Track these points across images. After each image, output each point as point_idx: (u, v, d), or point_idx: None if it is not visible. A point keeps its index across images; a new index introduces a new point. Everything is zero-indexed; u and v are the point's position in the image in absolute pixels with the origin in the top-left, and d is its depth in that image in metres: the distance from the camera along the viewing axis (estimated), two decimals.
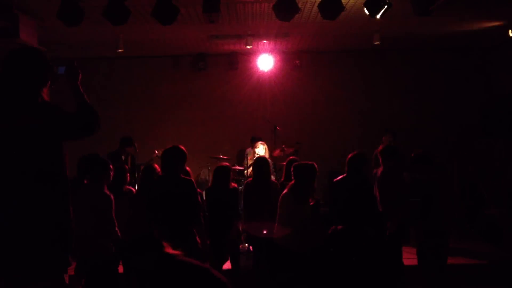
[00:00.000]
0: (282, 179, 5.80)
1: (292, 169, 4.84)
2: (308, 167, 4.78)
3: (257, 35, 8.48)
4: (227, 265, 5.57)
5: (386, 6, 5.85)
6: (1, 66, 2.57)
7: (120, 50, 8.38)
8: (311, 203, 4.76)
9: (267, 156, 6.97)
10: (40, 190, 2.39)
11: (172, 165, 4.30)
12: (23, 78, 2.52)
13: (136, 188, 6.01)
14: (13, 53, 2.60)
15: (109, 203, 4.40)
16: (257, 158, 5.83)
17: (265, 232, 5.33)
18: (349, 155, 5.15)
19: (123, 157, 7.84)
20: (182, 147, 4.41)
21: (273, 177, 6.44)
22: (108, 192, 4.44)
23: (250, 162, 8.82)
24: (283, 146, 8.14)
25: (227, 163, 5.66)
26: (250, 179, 5.69)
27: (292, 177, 4.82)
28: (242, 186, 6.33)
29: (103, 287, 4.36)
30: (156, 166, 5.26)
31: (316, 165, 4.84)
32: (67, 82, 2.76)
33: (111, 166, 4.50)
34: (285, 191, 4.79)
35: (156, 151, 7.77)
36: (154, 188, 4.37)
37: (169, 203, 4.17)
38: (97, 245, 4.27)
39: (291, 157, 5.88)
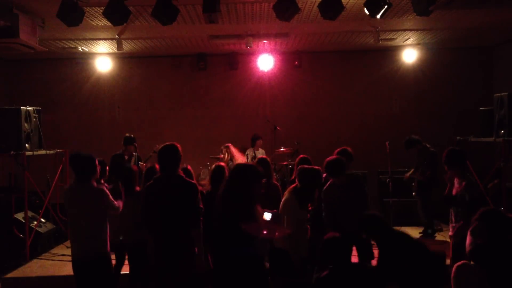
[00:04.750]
0: (292, 177, 5.75)
1: (296, 172, 4.69)
2: (312, 172, 4.61)
3: (257, 35, 8.48)
4: None
5: (386, 6, 5.84)
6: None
7: (120, 50, 8.39)
8: (309, 208, 4.68)
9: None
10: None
11: (170, 165, 4.08)
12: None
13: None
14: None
15: (98, 199, 4.32)
16: (258, 159, 5.78)
17: (264, 233, 5.32)
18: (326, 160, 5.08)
19: (126, 157, 7.82)
20: (177, 145, 4.17)
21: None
22: (97, 188, 4.38)
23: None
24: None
25: (223, 164, 5.62)
26: None
27: (296, 180, 4.69)
28: None
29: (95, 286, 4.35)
30: (158, 166, 5.24)
31: (321, 170, 4.69)
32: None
33: (96, 163, 4.44)
34: (286, 196, 4.66)
35: (157, 145, 7.73)
36: (151, 189, 4.12)
37: (168, 206, 4.00)
38: (90, 244, 4.28)
39: (302, 156, 5.80)
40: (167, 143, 4.19)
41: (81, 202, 4.30)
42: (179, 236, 3.98)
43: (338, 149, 5.48)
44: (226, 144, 7.73)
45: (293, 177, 5.69)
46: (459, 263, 3.50)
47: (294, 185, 4.69)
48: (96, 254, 4.28)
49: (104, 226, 4.38)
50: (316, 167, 4.75)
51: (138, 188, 5.29)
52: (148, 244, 4.13)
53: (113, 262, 5.29)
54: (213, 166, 5.53)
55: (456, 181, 4.90)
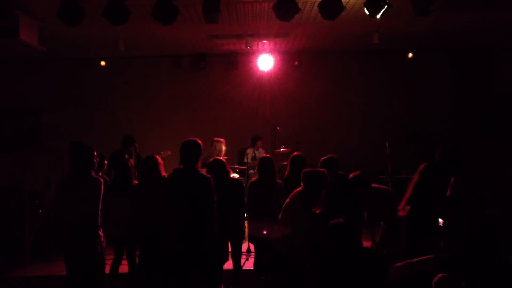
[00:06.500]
0: (286, 175, 5.76)
1: (301, 175, 4.64)
2: (318, 175, 4.57)
3: (257, 35, 8.48)
4: (228, 265, 5.57)
5: (386, 6, 5.84)
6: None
7: (120, 50, 8.38)
8: (317, 211, 4.63)
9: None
10: None
11: (191, 159, 4.51)
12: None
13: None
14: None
15: (96, 191, 4.27)
16: (262, 157, 5.75)
17: (266, 232, 5.32)
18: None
19: (126, 156, 7.82)
20: (199, 141, 4.56)
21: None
22: (96, 179, 4.33)
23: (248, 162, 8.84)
24: None
25: (219, 157, 5.67)
26: (254, 178, 5.67)
27: (301, 183, 4.65)
28: (245, 185, 6.31)
29: (89, 278, 4.36)
30: (158, 157, 5.23)
31: (326, 172, 4.64)
32: None
33: (95, 153, 4.44)
34: (290, 199, 4.64)
35: (162, 152, 7.73)
36: (174, 181, 4.54)
37: (189, 197, 4.38)
38: (85, 235, 4.24)
39: (295, 153, 5.79)
40: (190, 138, 4.58)
41: (76, 192, 4.21)
42: (196, 223, 4.38)
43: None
44: (217, 139, 7.74)
45: (286, 174, 5.70)
46: (436, 278, 3.54)
47: (300, 188, 4.63)
48: (86, 250, 4.25)
49: (97, 219, 4.28)
50: (321, 169, 4.72)
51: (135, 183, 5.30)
52: (169, 229, 4.50)
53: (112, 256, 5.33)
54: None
55: (451, 180, 4.91)
